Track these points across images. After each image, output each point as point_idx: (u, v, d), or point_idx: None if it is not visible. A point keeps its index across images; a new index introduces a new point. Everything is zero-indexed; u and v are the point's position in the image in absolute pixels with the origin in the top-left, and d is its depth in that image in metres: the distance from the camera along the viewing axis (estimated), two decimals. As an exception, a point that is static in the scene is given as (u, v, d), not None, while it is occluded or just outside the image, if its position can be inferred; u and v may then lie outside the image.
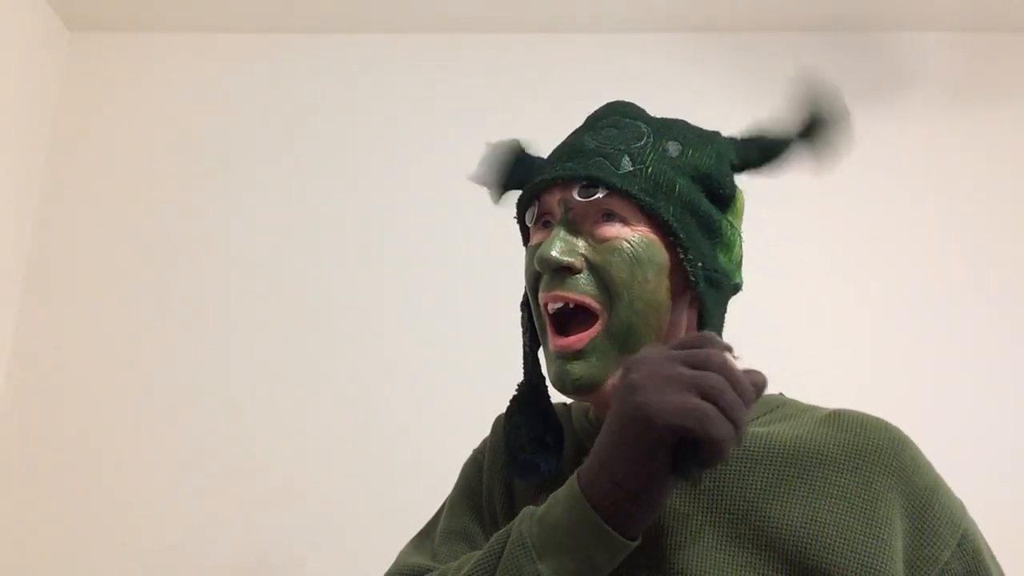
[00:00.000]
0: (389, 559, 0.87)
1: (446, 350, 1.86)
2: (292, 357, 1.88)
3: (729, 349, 0.61)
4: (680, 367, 0.60)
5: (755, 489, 0.71)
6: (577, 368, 0.73)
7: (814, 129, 0.78)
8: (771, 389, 0.83)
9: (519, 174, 0.83)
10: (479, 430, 0.94)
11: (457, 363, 1.84)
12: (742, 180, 0.82)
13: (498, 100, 2.04)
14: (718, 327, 0.76)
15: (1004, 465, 1.75)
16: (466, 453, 0.92)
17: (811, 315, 1.87)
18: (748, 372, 0.61)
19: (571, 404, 0.89)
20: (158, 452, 1.83)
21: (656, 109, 0.86)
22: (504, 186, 0.85)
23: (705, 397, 0.58)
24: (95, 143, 2.05)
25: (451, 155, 1.99)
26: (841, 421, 0.74)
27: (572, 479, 0.65)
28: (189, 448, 1.83)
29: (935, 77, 2.02)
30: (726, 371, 0.59)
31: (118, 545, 1.77)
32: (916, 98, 2.01)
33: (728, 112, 1.99)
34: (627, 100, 0.83)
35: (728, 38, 2.06)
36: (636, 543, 0.63)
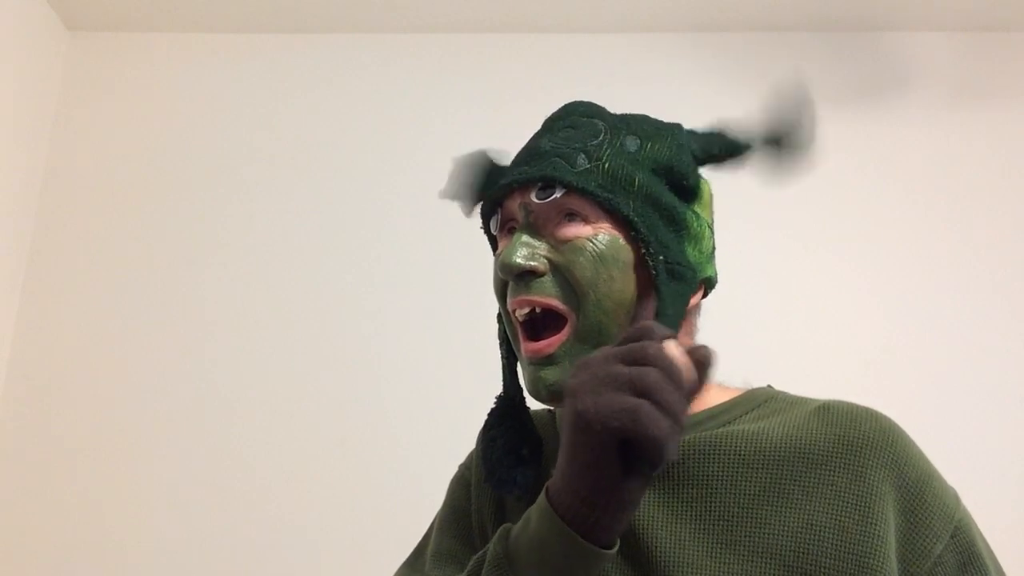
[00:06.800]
0: (383, 564, 0.87)
1: (440, 354, 1.86)
2: (292, 358, 1.88)
3: (669, 337, 0.59)
4: (616, 365, 0.58)
5: (748, 495, 0.70)
6: (550, 374, 0.72)
7: (780, 141, 0.77)
8: (760, 382, 0.82)
9: (488, 185, 0.81)
10: (472, 436, 0.91)
11: (452, 367, 1.83)
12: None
13: (497, 101, 2.04)
14: (674, 321, 0.73)
15: (1007, 463, 1.75)
16: (458, 460, 0.91)
17: (811, 313, 1.86)
18: (694, 349, 0.59)
19: (556, 410, 0.86)
20: (154, 453, 1.83)
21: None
22: (475, 199, 0.83)
23: (640, 394, 0.56)
24: (95, 143, 2.05)
25: (448, 157, 1.98)
26: (831, 415, 0.73)
27: (543, 492, 0.63)
28: (185, 449, 1.83)
29: (935, 77, 2.02)
30: (661, 363, 0.57)
31: (114, 545, 1.77)
32: (916, 98, 2.00)
33: (728, 112, 1.99)
34: (586, 100, 0.82)
35: (728, 38, 2.06)
36: (612, 551, 0.62)
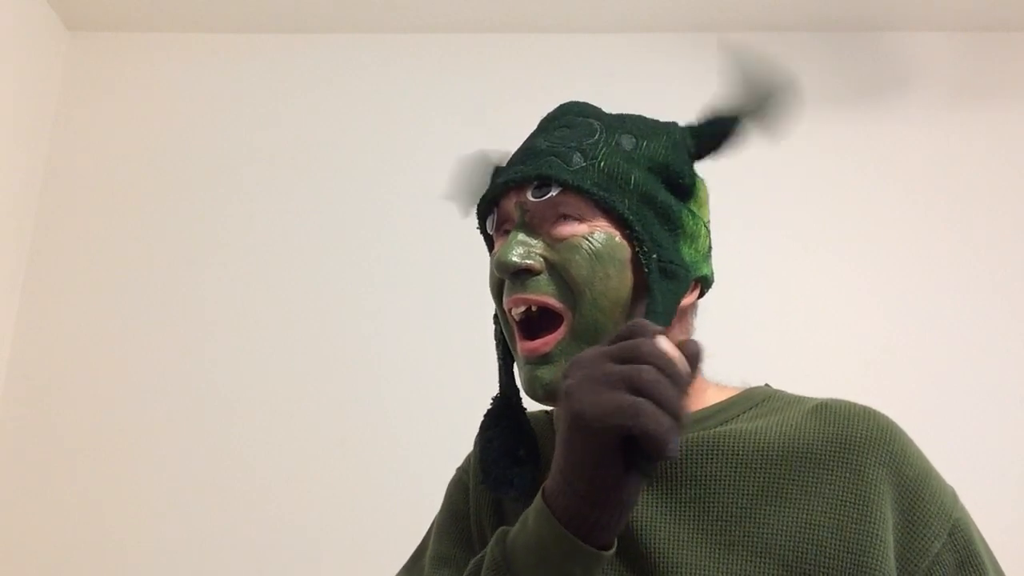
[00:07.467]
0: (383, 564, 0.86)
1: (440, 354, 1.86)
2: (292, 358, 1.88)
3: (659, 333, 0.59)
4: (610, 364, 0.58)
5: (747, 494, 0.70)
6: (546, 373, 0.72)
7: (759, 102, 0.77)
8: (758, 381, 0.82)
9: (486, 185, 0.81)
10: (472, 436, 0.90)
11: (452, 367, 1.83)
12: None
13: (496, 101, 2.04)
14: (665, 319, 0.73)
15: (1007, 463, 1.75)
16: (457, 460, 0.91)
17: (811, 313, 1.86)
18: (683, 343, 0.59)
19: (552, 411, 0.86)
20: (154, 453, 1.82)
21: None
22: (474, 200, 0.82)
23: (637, 391, 0.56)
24: (95, 143, 2.05)
25: (448, 157, 1.98)
26: (828, 413, 0.74)
27: (539, 494, 0.63)
28: (185, 449, 1.82)
29: (935, 77, 2.02)
30: (656, 359, 0.57)
31: (114, 545, 1.77)
32: (916, 98, 2.00)
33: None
34: (582, 100, 0.82)
35: (728, 38, 2.06)
36: (610, 552, 0.62)
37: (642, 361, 0.57)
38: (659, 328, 0.60)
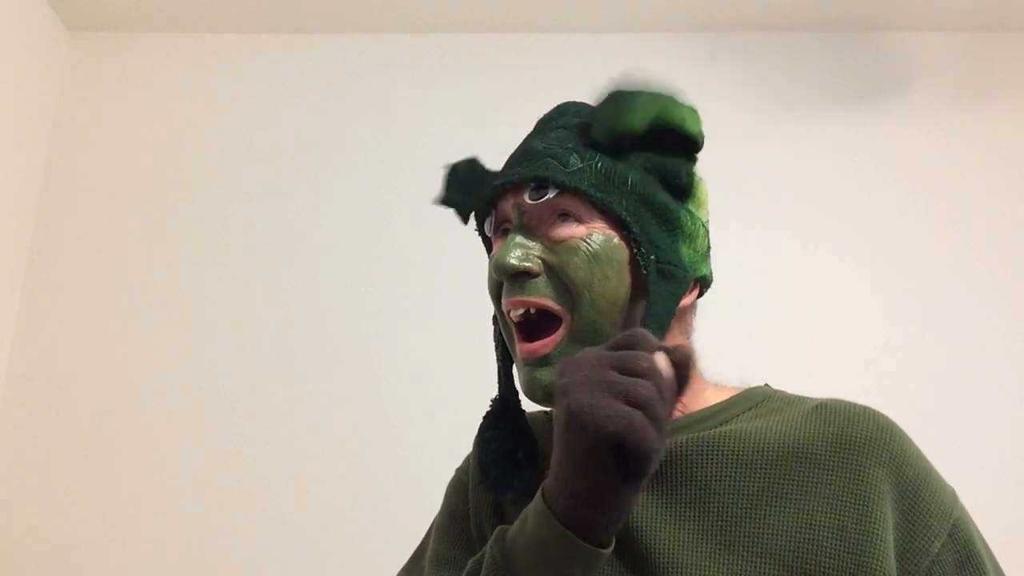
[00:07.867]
0: (383, 564, 0.86)
1: (440, 354, 1.85)
2: (292, 358, 1.88)
3: (660, 348, 0.60)
4: (610, 371, 0.58)
5: (748, 495, 0.70)
6: (545, 375, 0.72)
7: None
8: (757, 381, 0.82)
9: (480, 190, 0.80)
10: (472, 436, 0.89)
11: (452, 368, 1.82)
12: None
13: (496, 101, 2.03)
14: (663, 320, 0.73)
15: (1007, 463, 1.75)
16: (457, 460, 0.90)
17: (811, 313, 1.86)
18: (672, 350, 0.60)
19: (551, 412, 0.85)
20: (154, 453, 1.82)
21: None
22: (468, 205, 0.82)
23: (634, 405, 0.56)
24: (95, 143, 2.05)
25: (448, 157, 1.98)
26: (828, 413, 0.74)
27: (539, 493, 0.63)
28: (185, 449, 1.82)
29: (935, 77, 2.02)
30: (654, 377, 0.58)
31: (114, 545, 1.77)
32: (916, 98, 2.00)
33: (728, 112, 1.99)
34: (580, 100, 0.82)
35: (728, 38, 2.06)
36: (608, 551, 0.62)
37: (641, 375, 0.57)
38: (659, 343, 0.60)
